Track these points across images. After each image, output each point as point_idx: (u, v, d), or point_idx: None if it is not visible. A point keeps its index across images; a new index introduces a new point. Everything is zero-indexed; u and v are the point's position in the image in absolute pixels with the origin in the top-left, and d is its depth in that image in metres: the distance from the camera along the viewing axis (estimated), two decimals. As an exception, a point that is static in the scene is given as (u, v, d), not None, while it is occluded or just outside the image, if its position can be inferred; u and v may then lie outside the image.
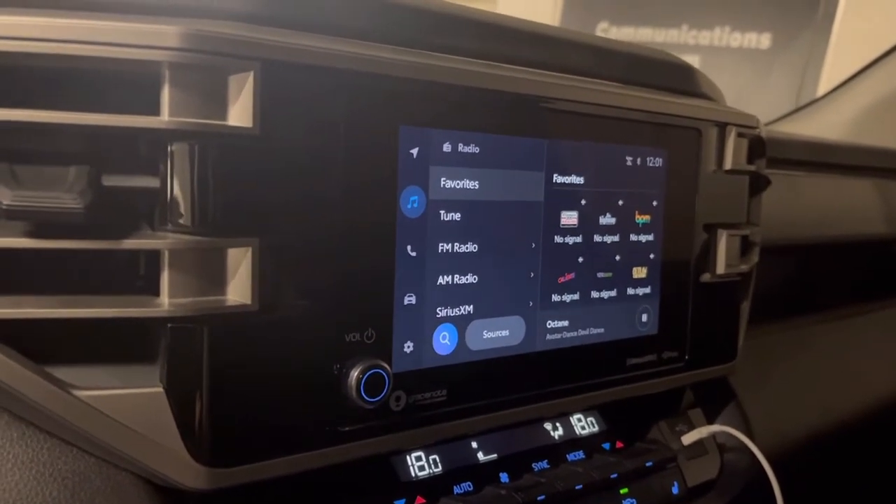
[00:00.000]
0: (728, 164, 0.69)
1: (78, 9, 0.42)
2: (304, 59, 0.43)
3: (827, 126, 1.48)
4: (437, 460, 0.57)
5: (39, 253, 0.39)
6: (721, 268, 0.69)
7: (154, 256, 0.42)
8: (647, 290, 0.64)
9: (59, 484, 0.42)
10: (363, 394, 0.46)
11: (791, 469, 0.72)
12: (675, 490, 0.68)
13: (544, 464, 0.61)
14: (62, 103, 0.39)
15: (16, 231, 0.39)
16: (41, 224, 0.39)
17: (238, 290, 0.42)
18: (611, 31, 3.70)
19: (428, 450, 0.57)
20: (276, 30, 0.45)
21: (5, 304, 0.39)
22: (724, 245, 0.69)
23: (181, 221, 0.41)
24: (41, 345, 0.41)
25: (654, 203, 0.64)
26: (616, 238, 0.61)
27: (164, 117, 0.40)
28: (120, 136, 0.42)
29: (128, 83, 0.41)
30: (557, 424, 0.65)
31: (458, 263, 0.52)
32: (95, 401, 0.40)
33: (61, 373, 0.41)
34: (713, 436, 0.75)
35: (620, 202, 0.61)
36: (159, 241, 0.41)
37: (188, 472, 0.42)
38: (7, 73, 0.40)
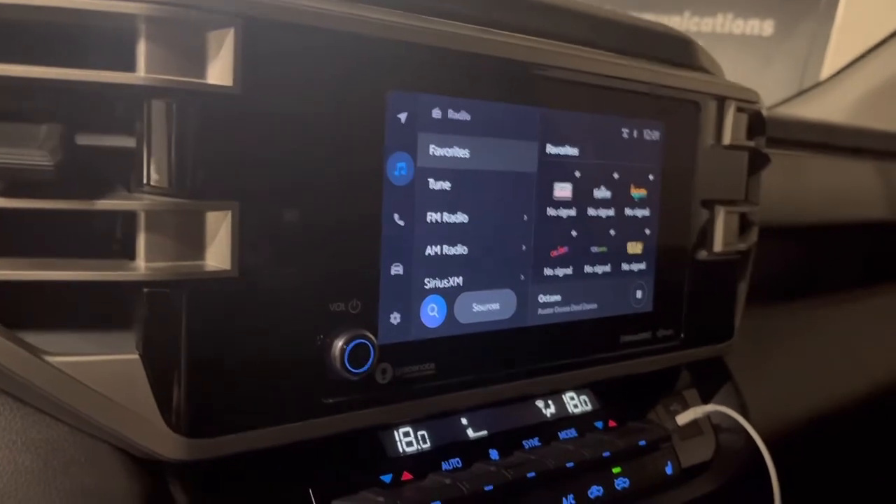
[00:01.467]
0: (727, 140, 0.67)
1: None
2: (289, 18, 0.42)
3: (829, 110, 1.46)
4: (426, 436, 0.55)
5: (9, 213, 0.38)
6: (719, 245, 0.68)
7: (131, 219, 0.40)
8: (643, 266, 0.63)
9: (32, 453, 0.40)
10: (347, 365, 0.45)
11: (787, 451, 0.71)
12: (668, 470, 0.67)
13: (535, 441, 0.60)
14: (35, 59, 0.38)
15: (-14, 190, 0.37)
16: (11, 183, 0.37)
17: (217, 255, 0.41)
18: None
19: (416, 425, 0.55)
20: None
21: (-29, 265, 0.37)
22: (721, 222, 0.68)
23: (158, 183, 0.40)
24: (13, 309, 0.40)
25: (651, 177, 0.62)
26: (611, 212, 0.60)
27: (141, 73, 0.38)
28: (95, 94, 0.40)
29: (104, 40, 0.40)
30: (549, 402, 0.63)
31: (447, 234, 0.51)
32: (68, 367, 0.39)
33: (33, 338, 0.40)
34: (708, 417, 0.73)
35: (616, 175, 0.60)
36: (135, 203, 0.39)
37: (165, 443, 0.41)
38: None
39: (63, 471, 0.40)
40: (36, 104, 0.40)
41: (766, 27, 3.40)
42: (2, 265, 0.38)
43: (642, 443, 0.64)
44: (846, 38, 2.99)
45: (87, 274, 0.39)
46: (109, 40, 0.40)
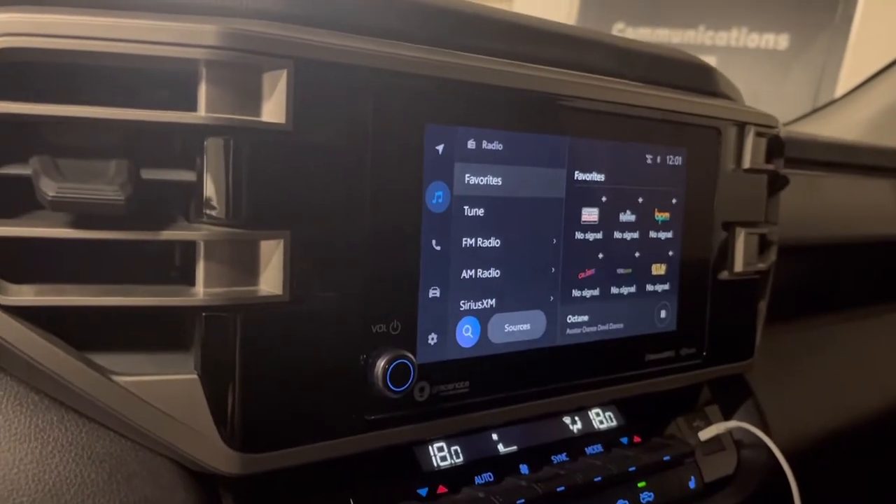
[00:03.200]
0: (747, 163, 0.69)
1: (120, 8, 0.43)
2: (335, 58, 0.45)
3: (845, 127, 1.48)
4: (459, 451, 0.58)
5: (81, 243, 0.41)
6: (739, 266, 0.70)
7: (189, 247, 0.43)
8: (666, 286, 0.65)
9: (97, 466, 0.43)
10: (389, 383, 0.48)
11: (808, 466, 0.72)
12: (692, 485, 0.69)
13: (563, 456, 0.62)
14: (101, 99, 0.41)
15: (59, 222, 0.40)
16: (84, 215, 0.40)
17: (270, 280, 0.44)
18: (627, 32, 3.70)
19: (450, 440, 0.58)
20: (308, 29, 0.47)
21: (49, 292, 0.40)
22: (742, 243, 0.70)
23: (216, 214, 0.43)
24: (81, 332, 0.43)
25: (674, 201, 0.65)
26: (636, 235, 0.62)
27: (201, 113, 0.41)
28: (158, 131, 0.43)
29: (163, 80, 0.43)
30: (576, 418, 0.66)
31: (481, 258, 0.53)
32: (133, 386, 0.42)
33: (100, 359, 0.43)
34: (730, 432, 0.75)
35: (640, 199, 0.62)
36: (195, 233, 0.42)
37: (221, 457, 0.44)
38: (51, 69, 0.41)
39: (126, 483, 0.43)
40: (104, 140, 0.43)
41: (781, 41, 3.42)
42: (73, 292, 0.41)
43: (666, 458, 0.66)
44: (861, 52, 3.00)
45: (151, 300, 0.42)
46: (167, 79, 0.43)
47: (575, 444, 0.64)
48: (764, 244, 0.74)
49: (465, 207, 0.52)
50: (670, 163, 0.64)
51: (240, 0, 0.46)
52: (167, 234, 0.42)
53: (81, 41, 0.40)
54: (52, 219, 0.41)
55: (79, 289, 0.41)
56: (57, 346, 0.41)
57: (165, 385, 0.42)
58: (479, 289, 0.53)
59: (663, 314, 0.65)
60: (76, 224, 0.40)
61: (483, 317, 0.54)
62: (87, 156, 0.42)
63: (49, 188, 0.38)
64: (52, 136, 0.43)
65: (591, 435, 0.66)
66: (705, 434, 0.72)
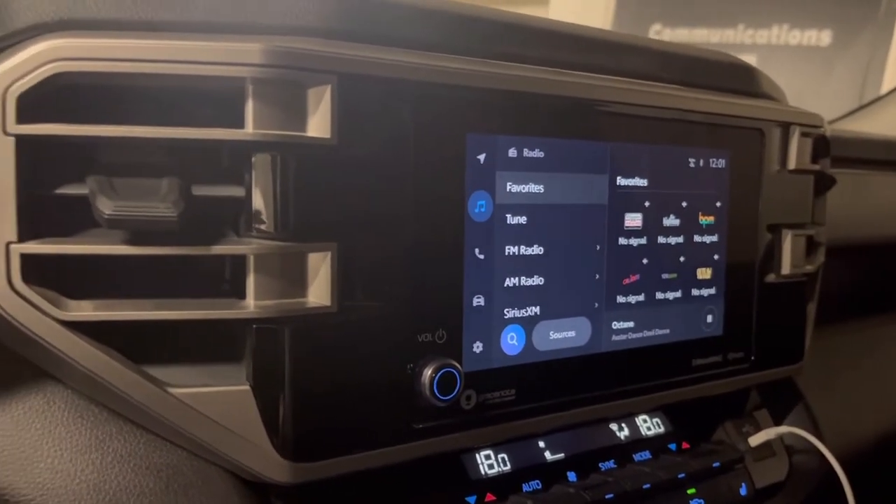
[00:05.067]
0: (792, 164, 0.68)
1: (166, 30, 0.44)
2: (378, 72, 0.45)
3: (892, 123, 1.44)
4: (506, 459, 0.58)
5: (134, 259, 0.42)
6: (786, 268, 0.69)
7: (239, 261, 0.44)
8: (712, 290, 0.64)
9: (155, 476, 0.44)
10: (436, 392, 0.48)
11: (861, 472, 0.71)
12: (743, 491, 0.68)
13: (611, 463, 0.62)
14: (148, 118, 0.42)
15: (115, 239, 0.42)
16: (138, 232, 0.42)
17: (318, 292, 0.45)
18: (664, 33, 3.66)
19: (497, 448, 0.58)
20: (350, 44, 0.47)
21: (106, 306, 0.42)
22: (789, 245, 0.69)
23: (264, 228, 0.43)
24: (135, 345, 0.44)
25: (718, 204, 0.64)
26: (680, 239, 0.62)
27: (249, 129, 0.42)
28: (207, 149, 0.45)
29: (207, 98, 0.44)
30: (623, 425, 0.65)
31: (525, 266, 0.53)
32: (188, 398, 0.43)
33: (154, 371, 0.44)
34: (781, 437, 0.74)
35: (684, 203, 0.62)
36: (245, 247, 0.43)
37: (273, 467, 0.44)
38: (98, 91, 0.43)
39: (183, 493, 0.44)
40: (155, 159, 0.45)
41: (824, 37, 3.35)
42: (129, 306, 0.42)
43: (716, 464, 0.65)
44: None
45: (204, 313, 0.43)
46: (213, 97, 0.44)
47: (623, 451, 0.63)
48: (811, 246, 0.73)
49: (508, 216, 0.52)
50: (713, 166, 0.63)
51: (283, 18, 0.47)
52: (218, 249, 0.43)
53: (130, 63, 0.41)
54: (107, 236, 0.42)
55: (134, 303, 0.43)
56: (115, 359, 0.42)
57: (218, 396, 0.43)
58: (524, 296, 0.53)
59: (710, 319, 0.64)
60: (131, 241, 0.41)
61: (528, 324, 0.54)
62: (140, 174, 0.43)
63: (106, 207, 0.39)
64: (105, 156, 0.44)
65: (638, 441, 0.65)
66: (755, 440, 0.70)
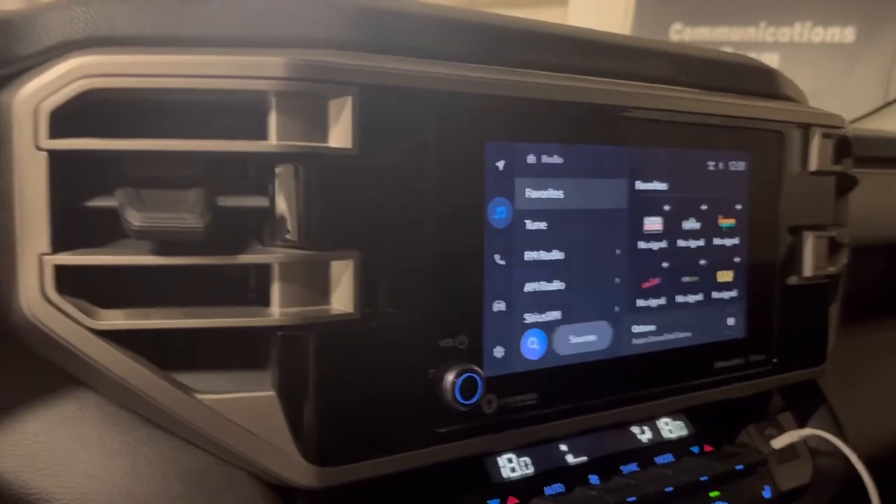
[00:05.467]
0: (813, 166, 0.68)
1: (191, 45, 0.45)
2: (397, 82, 0.46)
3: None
4: (528, 462, 0.58)
5: (162, 269, 0.43)
6: (808, 270, 0.69)
7: (263, 270, 0.45)
8: (734, 293, 0.64)
9: (184, 480, 0.45)
10: (458, 397, 0.49)
11: (886, 474, 0.70)
12: (766, 494, 0.68)
13: (633, 466, 0.62)
14: (171, 131, 0.43)
15: (142, 249, 0.43)
16: (166, 242, 0.43)
17: (341, 299, 0.45)
18: (685, 32, 3.64)
19: (519, 451, 0.58)
20: (370, 55, 0.48)
21: (136, 315, 0.43)
22: (810, 247, 0.69)
23: (288, 237, 0.44)
24: (162, 352, 0.45)
25: (738, 206, 0.64)
26: (700, 242, 0.62)
27: (273, 141, 0.43)
28: (232, 160, 0.46)
29: (229, 110, 0.45)
30: (645, 428, 0.65)
31: (545, 271, 0.54)
32: (216, 404, 0.44)
33: (180, 378, 0.45)
34: (804, 440, 0.74)
35: (704, 207, 0.62)
36: (270, 256, 0.44)
37: (299, 471, 0.45)
38: (126, 105, 0.44)
39: (211, 497, 0.45)
40: (181, 171, 0.46)
41: (848, 34, 3.31)
42: (158, 315, 0.43)
43: (739, 467, 0.65)
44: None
45: (231, 321, 0.44)
46: (233, 109, 0.45)
47: (645, 454, 0.63)
48: (834, 247, 0.73)
49: (528, 222, 0.53)
50: (733, 168, 0.63)
51: (304, 31, 0.48)
52: (244, 258, 0.44)
53: (158, 79, 0.42)
54: (135, 246, 0.43)
55: (162, 312, 0.44)
56: (144, 366, 0.43)
57: (245, 402, 0.44)
58: (544, 301, 0.54)
59: (731, 321, 0.64)
60: (159, 251, 0.43)
61: (548, 329, 0.54)
62: (165, 185, 0.44)
63: (135, 218, 0.40)
64: (131, 168, 0.46)
65: (660, 444, 0.65)
66: (778, 442, 0.70)
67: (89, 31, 0.43)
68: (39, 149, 0.40)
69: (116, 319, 0.42)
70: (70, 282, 0.42)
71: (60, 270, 0.41)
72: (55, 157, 0.41)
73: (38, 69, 0.42)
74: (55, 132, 0.40)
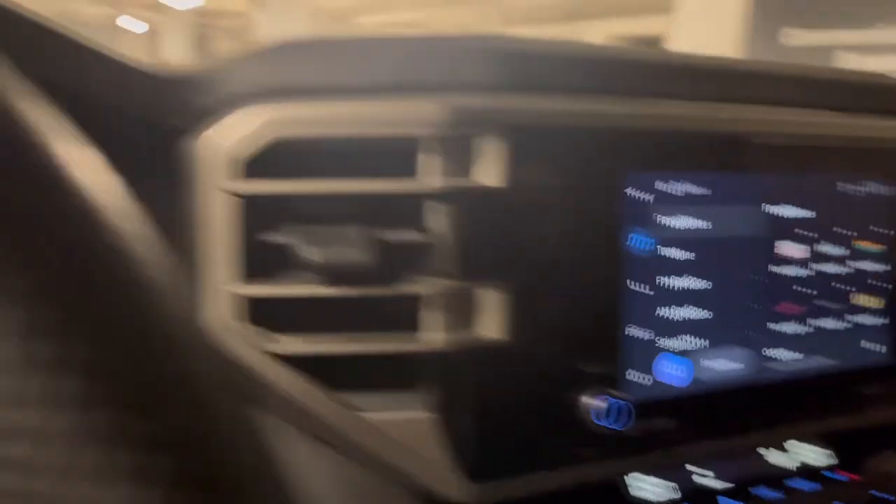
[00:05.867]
0: (962, 187, 0.66)
1: (353, 92, 0.50)
2: (544, 122, 0.49)
3: None
4: (669, 486, 0.59)
5: (330, 299, 0.47)
6: (959, 294, 0.66)
7: (419, 299, 0.48)
8: (883, 319, 0.63)
9: (345, 494, 0.49)
10: (598, 420, 0.50)
11: None
12: (916, 525, 0.65)
13: (777, 493, 0.61)
14: (334, 171, 0.47)
15: (313, 280, 0.47)
16: (336, 275, 0.47)
17: (491, 326, 0.48)
18: (798, 36, 3.50)
19: (659, 475, 0.59)
20: (515, 96, 0.51)
21: (314, 341, 0.47)
22: (961, 271, 0.66)
23: (443, 268, 0.48)
24: (329, 374, 0.49)
25: (885, 231, 0.63)
26: (846, 268, 0.61)
27: (428, 180, 0.47)
28: (389, 198, 0.49)
29: (384, 151, 0.49)
30: (787, 454, 0.65)
31: (685, 298, 0.55)
32: (379, 422, 0.47)
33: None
34: (958, 470, 0.71)
35: (848, 232, 0.61)
36: (427, 287, 0.47)
37: (455, 487, 0.48)
38: (302, 151, 0.48)
39: (373, 509, 0.49)
40: (342, 208, 0.50)
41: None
42: (327, 341, 0.47)
43: (891, 497, 0.63)
44: None
45: (394, 346, 0.47)
46: (388, 151, 0.48)
47: (788, 481, 0.63)
48: None
49: (666, 250, 0.54)
50: (879, 193, 0.62)
51: (455, 76, 0.51)
52: (405, 289, 0.47)
53: (332, 127, 0.46)
54: (306, 278, 0.47)
55: (332, 337, 0.48)
56: (315, 386, 0.47)
57: (406, 421, 0.48)
58: (683, 328, 0.55)
59: (879, 348, 0.63)
60: (330, 282, 0.47)
61: (688, 355, 0.55)
62: (327, 221, 0.48)
63: (317, 255, 0.44)
64: (293, 206, 0.50)
65: (804, 471, 0.64)
66: (928, 472, 0.68)
67: (273, 82, 0.48)
68: (233, 193, 0.45)
69: (297, 345, 0.46)
70: (253, 310, 0.47)
71: (246, 300, 0.46)
72: (245, 198, 0.46)
73: (220, 119, 0.47)
74: (247, 176, 0.45)
